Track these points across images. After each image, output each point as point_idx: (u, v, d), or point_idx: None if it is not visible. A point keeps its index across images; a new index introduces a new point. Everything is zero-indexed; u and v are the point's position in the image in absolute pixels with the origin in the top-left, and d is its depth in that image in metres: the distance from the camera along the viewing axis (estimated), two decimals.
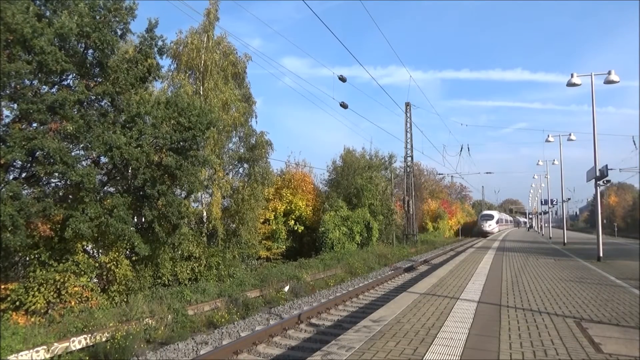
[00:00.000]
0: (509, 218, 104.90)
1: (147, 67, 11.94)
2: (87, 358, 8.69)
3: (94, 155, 11.17)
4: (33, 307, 9.78)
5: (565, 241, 29.64)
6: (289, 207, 25.97)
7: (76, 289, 10.47)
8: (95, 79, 11.53)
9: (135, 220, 12.60)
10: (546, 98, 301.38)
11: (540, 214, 67.50)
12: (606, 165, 17.12)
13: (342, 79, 18.60)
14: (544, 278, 11.77)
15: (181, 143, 12.13)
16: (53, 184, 11.11)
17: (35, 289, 9.92)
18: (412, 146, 38.31)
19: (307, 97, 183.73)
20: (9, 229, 8.79)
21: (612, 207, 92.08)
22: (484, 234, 60.87)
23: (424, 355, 4.98)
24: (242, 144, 18.95)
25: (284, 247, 25.12)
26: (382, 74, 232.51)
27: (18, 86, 9.41)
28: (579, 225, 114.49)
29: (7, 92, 9.26)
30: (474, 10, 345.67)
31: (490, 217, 67.58)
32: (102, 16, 10.77)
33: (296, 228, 26.12)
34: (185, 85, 16.24)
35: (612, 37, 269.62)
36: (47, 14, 10.17)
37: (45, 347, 8.32)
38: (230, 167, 18.89)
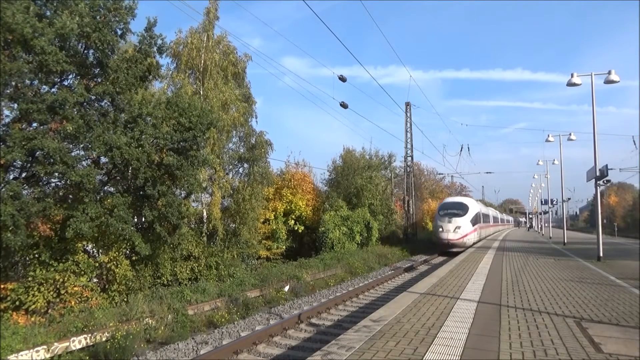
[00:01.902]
0: (504, 216, 78.27)
1: (147, 66, 11.93)
2: (87, 358, 8.69)
3: (94, 155, 11.17)
4: (33, 307, 9.78)
5: (565, 241, 29.64)
6: (289, 207, 25.95)
7: (76, 288, 10.48)
8: (96, 78, 11.52)
9: (136, 220, 12.60)
10: (546, 98, 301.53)
11: (540, 213, 67.33)
12: (606, 165, 17.14)
13: (342, 78, 18.61)
14: (544, 278, 11.76)
15: (182, 143, 12.13)
16: (53, 184, 11.11)
17: (35, 288, 9.92)
18: (412, 146, 38.30)
19: (307, 97, 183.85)
20: (10, 228, 8.79)
21: (612, 207, 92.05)
22: (445, 246, 28.86)
23: (424, 355, 4.98)
24: (242, 143, 18.95)
25: (284, 247, 25.11)
26: (382, 74, 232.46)
27: (18, 86, 9.40)
28: (579, 225, 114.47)
29: (8, 92, 9.25)
30: (475, 10, 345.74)
31: (460, 209, 30.56)
32: (102, 16, 10.76)
33: (296, 228, 26.11)
34: (186, 85, 16.23)
35: (612, 37, 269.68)
36: (48, 14, 10.15)
37: (45, 346, 8.32)
38: (230, 167, 18.89)
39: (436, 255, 29.14)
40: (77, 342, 8.83)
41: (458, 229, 28.33)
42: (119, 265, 11.63)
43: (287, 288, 15.12)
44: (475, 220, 30.71)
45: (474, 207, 32.31)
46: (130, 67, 11.38)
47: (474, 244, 29.23)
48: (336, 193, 28.65)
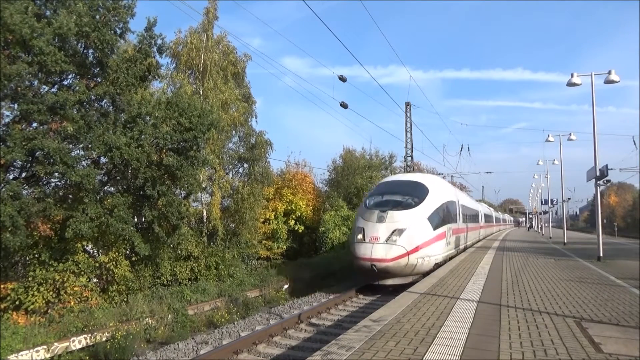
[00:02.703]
0: (500, 215, 66.85)
1: (147, 66, 11.94)
2: (87, 358, 8.71)
3: (94, 155, 11.18)
4: (32, 307, 9.79)
5: (566, 241, 29.62)
6: (289, 207, 25.94)
7: (76, 288, 10.50)
8: (95, 78, 11.53)
9: (135, 220, 12.62)
10: (547, 98, 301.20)
11: (540, 213, 67.23)
12: (606, 165, 17.12)
13: (342, 78, 18.58)
14: (544, 278, 11.76)
15: (182, 143, 12.14)
16: (53, 184, 11.12)
17: (35, 288, 9.94)
18: (412, 146, 38.25)
19: (307, 97, 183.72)
20: (9, 229, 8.79)
21: (612, 207, 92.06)
22: (369, 274, 13.62)
23: (424, 355, 4.97)
24: (242, 143, 18.95)
25: (284, 247, 25.12)
26: (382, 74, 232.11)
27: (19, 87, 9.39)
28: (579, 225, 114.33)
29: (8, 92, 9.24)
30: (475, 10, 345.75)
31: (410, 194, 15.02)
32: (102, 15, 10.77)
33: (296, 228, 26.09)
34: (185, 85, 16.22)
35: (612, 37, 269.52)
36: (47, 13, 10.15)
37: (45, 346, 8.33)
38: (230, 166, 18.91)
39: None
40: (77, 342, 8.85)
41: (397, 236, 13.40)
42: (118, 266, 11.64)
43: (286, 288, 15.12)
44: (442, 217, 15.69)
45: (440, 191, 16.72)
46: (130, 67, 11.39)
47: (439, 264, 14.72)
48: (336, 193, 28.64)
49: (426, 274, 13.35)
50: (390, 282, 13.71)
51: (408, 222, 13.71)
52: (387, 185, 16.93)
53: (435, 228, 14.60)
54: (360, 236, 13.79)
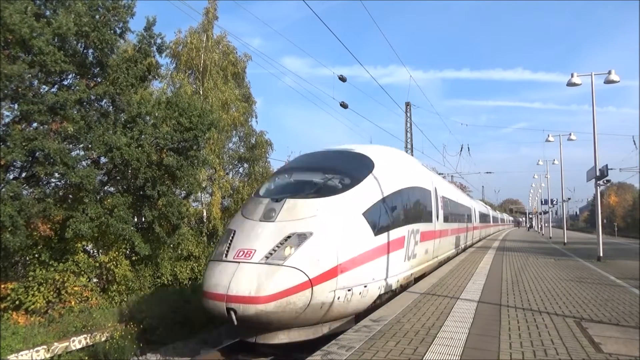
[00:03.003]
0: (498, 214, 61.94)
1: (147, 66, 11.94)
2: (87, 358, 8.71)
3: (94, 155, 11.17)
4: (32, 307, 9.79)
5: (566, 241, 29.62)
6: None
7: (76, 288, 10.50)
8: (95, 78, 11.53)
9: (135, 220, 12.61)
10: (547, 98, 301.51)
11: (540, 213, 67.20)
12: (606, 165, 17.12)
13: (342, 78, 18.54)
14: (544, 278, 11.76)
15: (182, 143, 12.13)
16: (53, 184, 11.12)
17: (35, 288, 9.94)
18: (412, 146, 38.25)
19: (307, 96, 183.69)
20: (9, 229, 8.79)
21: (612, 207, 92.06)
22: (230, 324, 6.36)
23: (424, 355, 4.97)
24: (242, 143, 18.97)
25: None
26: (382, 74, 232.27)
27: (19, 87, 9.39)
28: (579, 225, 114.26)
29: (8, 92, 9.24)
30: (475, 10, 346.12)
31: (334, 170, 8.40)
32: (102, 15, 10.76)
33: None
34: (185, 85, 16.23)
35: (612, 37, 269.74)
36: (47, 13, 10.15)
37: (45, 346, 8.34)
38: (230, 166, 18.93)
39: None
40: (77, 342, 8.86)
41: (292, 247, 6.69)
42: (118, 265, 11.64)
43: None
44: (400, 213, 9.39)
45: (398, 169, 10.14)
46: (130, 67, 11.38)
47: (394, 291, 8.80)
48: None
49: (362, 313, 7.60)
50: (282, 337, 6.92)
51: (320, 221, 7.24)
52: (306, 158, 10.22)
53: (379, 230, 8.18)
54: (222, 248, 7.22)
